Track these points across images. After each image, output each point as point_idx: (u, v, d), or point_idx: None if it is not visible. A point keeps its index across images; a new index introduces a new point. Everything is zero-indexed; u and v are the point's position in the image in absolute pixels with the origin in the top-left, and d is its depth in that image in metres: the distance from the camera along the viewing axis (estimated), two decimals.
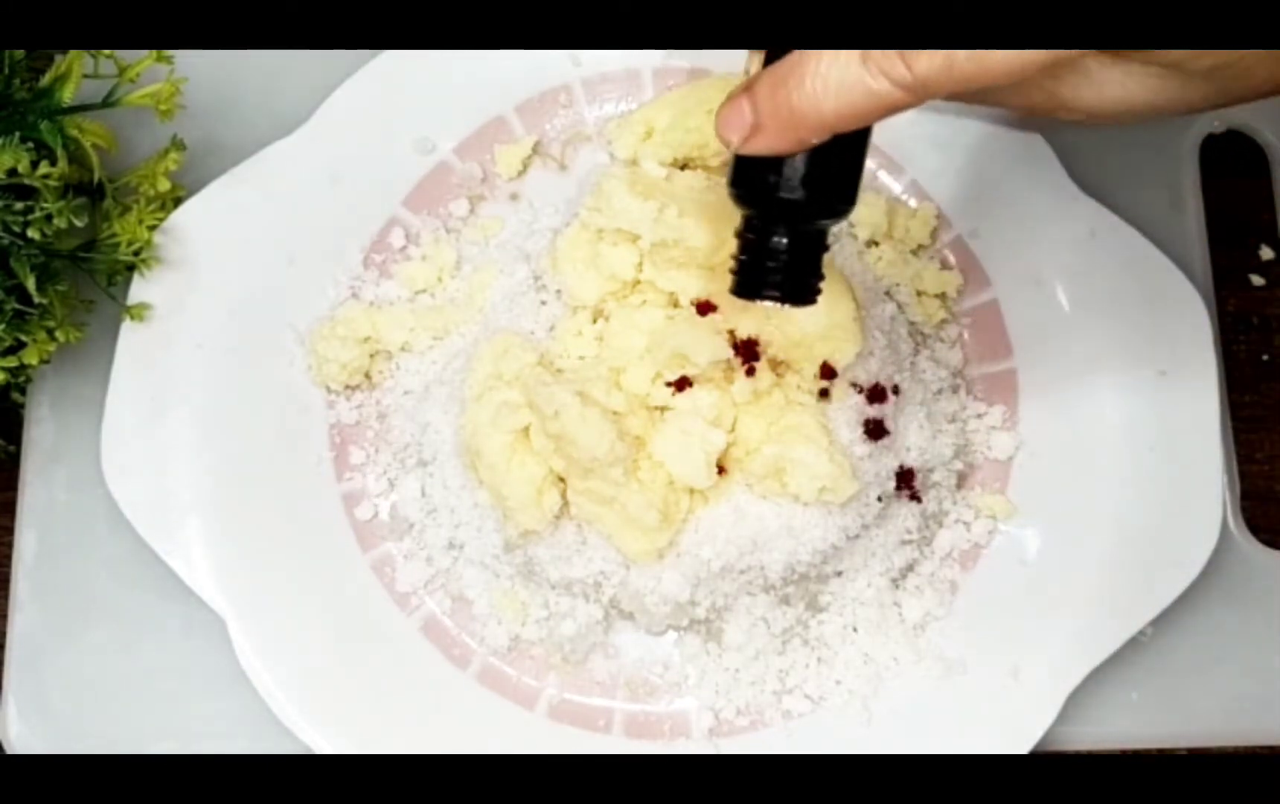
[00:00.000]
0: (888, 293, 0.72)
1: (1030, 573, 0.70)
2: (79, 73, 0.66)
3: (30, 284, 0.64)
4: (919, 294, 0.73)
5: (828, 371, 0.65)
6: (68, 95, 0.66)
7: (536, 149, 0.76)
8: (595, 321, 0.67)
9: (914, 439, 0.69)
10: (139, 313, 0.70)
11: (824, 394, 0.66)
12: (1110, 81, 0.52)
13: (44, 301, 0.66)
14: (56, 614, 0.70)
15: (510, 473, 0.65)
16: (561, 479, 0.65)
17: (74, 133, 0.66)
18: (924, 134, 0.74)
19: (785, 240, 0.54)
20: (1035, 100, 0.54)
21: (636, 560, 0.65)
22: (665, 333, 0.64)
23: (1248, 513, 0.73)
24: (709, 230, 0.65)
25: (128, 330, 0.70)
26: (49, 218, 0.64)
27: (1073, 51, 0.48)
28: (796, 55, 0.50)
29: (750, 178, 0.54)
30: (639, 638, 0.70)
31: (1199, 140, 0.78)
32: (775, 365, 0.66)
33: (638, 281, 0.67)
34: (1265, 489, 0.75)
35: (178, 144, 0.69)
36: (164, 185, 0.69)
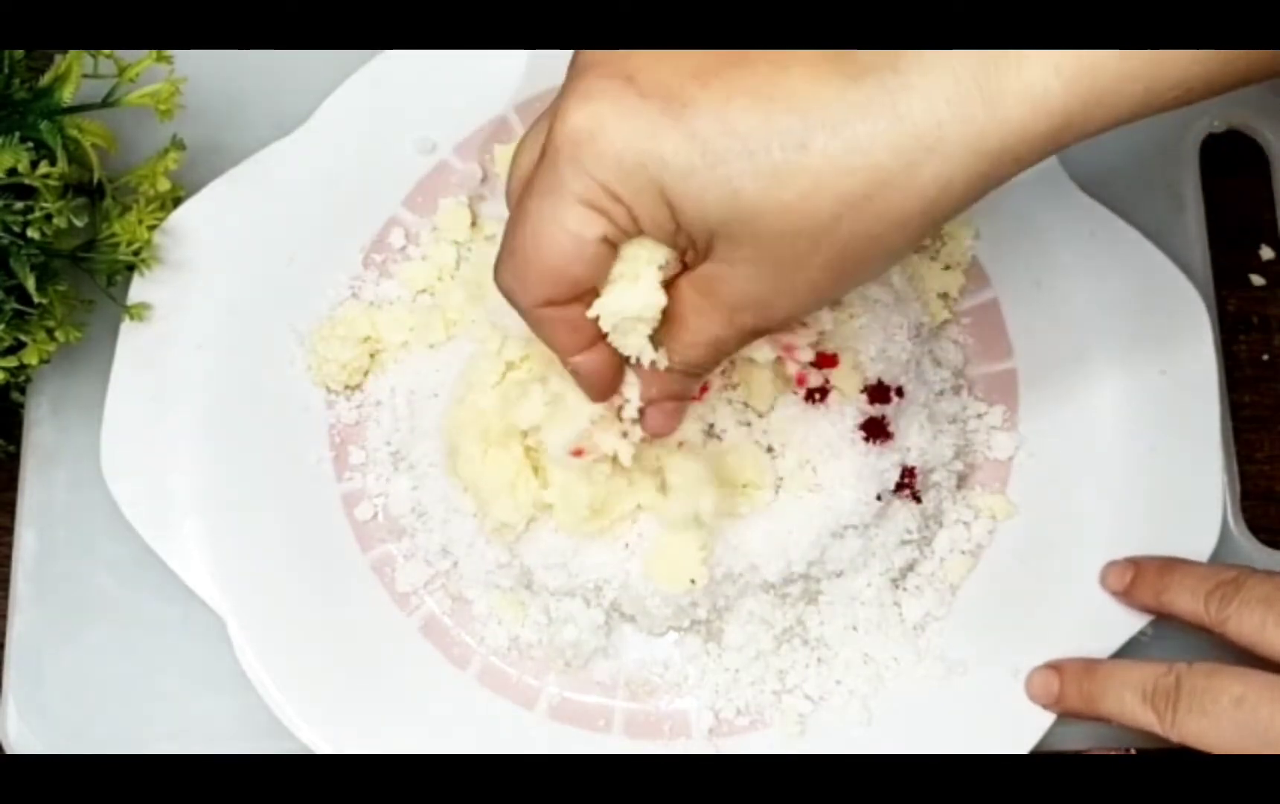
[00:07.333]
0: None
1: (1030, 573, 0.70)
2: (79, 73, 0.66)
3: (30, 284, 0.64)
4: (920, 294, 0.73)
5: (827, 360, 0.65)
6: (67, 95, 0.66)
7: None
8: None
9: (915, 440, 0.68)
10: (139, 313, 0.70)
11: (817, 394, 0.65)
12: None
13: (44, 301, 0.65)
14: (56, 614, 0.70)
15: (485, 466, 0.65)
16: (537, 471, 0.65)
17: (74, 133, 0.66)
18: None
19: None
20: None
21: (570, 532, 0.65)
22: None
23: (1248, 513, 0.73)
24: None
25: (127, 330, 0.70)
26: (49, 217, 0.64)
27: None
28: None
29: None
30: (639, 638, 0.69)
31: (1199, 140, 0.78)
32: None
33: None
34: (1265, 489, 0.75)
35: (178, 144, 0.69)
36: (164, 185, 0.69)
